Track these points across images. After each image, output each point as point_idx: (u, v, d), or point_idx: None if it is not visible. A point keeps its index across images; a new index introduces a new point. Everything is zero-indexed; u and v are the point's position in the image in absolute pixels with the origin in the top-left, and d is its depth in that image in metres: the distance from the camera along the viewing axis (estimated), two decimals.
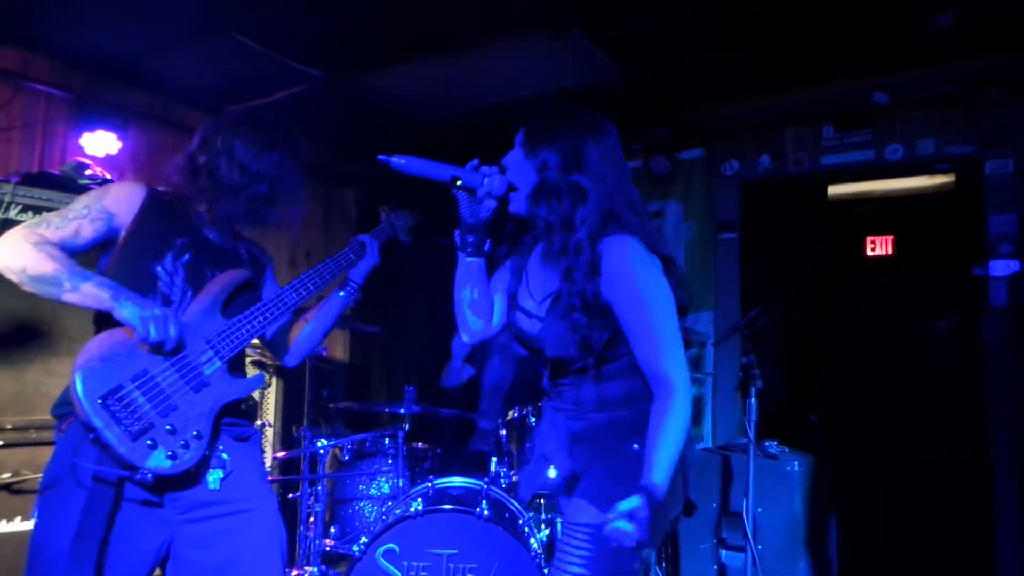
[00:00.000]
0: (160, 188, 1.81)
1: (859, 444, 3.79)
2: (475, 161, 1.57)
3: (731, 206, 4.15)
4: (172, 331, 1.58)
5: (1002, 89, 3.40)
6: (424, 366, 5.03)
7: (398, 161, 1.52)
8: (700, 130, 4.18)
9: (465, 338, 1.78)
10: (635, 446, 1.54)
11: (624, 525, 1.33)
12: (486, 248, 1.65)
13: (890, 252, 4.10)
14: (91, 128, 3.58)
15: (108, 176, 3.37)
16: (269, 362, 3.87)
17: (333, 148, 4.89)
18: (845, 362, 4.17)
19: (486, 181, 1.55)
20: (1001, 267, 3.31)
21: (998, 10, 2.98)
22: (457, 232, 1.65)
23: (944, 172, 3.83)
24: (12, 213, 2.85)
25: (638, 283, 1.50)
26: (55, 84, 3.59)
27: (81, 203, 1.70)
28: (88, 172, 3.38)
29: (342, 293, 2.07)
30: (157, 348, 1.58)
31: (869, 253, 4.10)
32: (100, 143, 3.60)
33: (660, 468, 1.43)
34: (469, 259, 1.66)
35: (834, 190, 4.15)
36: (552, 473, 1.70)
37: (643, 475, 1.43)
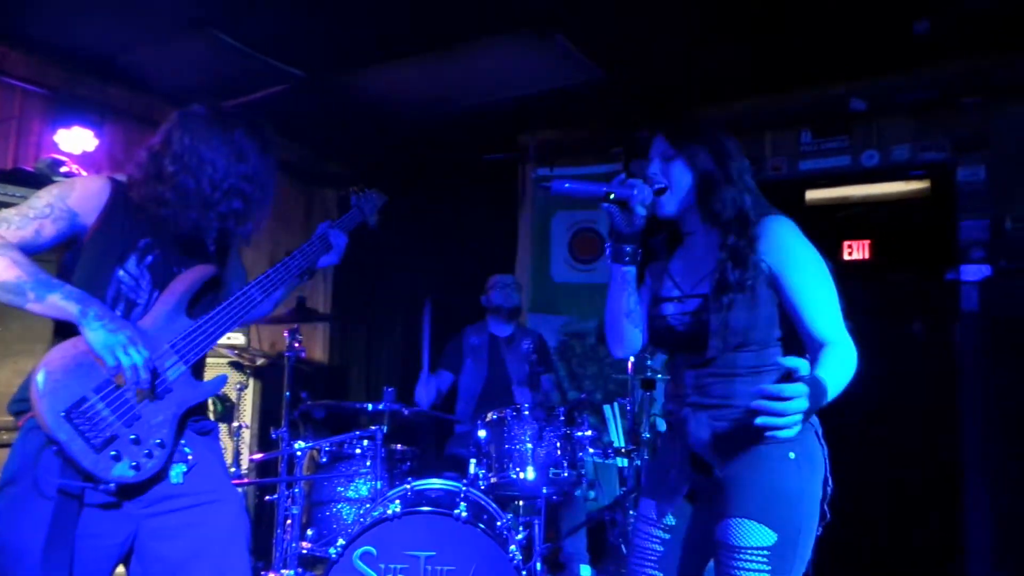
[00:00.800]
0: (123, 180, 1.71)
1: (835, 445, 3.82)
2: (622, 175, 1.65)
3: None
4: (139, 359, 1.51)
5: (974, 97, 3.46)
6: (404, 367, 5.02)
7: (559, 185, 1.62)
8: None
9: (617, 353, 1.80)
10: (790, 454, 1.54)
11: (799, 404, 1.31)
12: (639, 256, 1.71)
13: (867, 256, 4.15)
14: (67, 124, 3.53)
15: (84, 174, 3.33)
16: (247, 363, 3.84)
17: (314, 148, 4.87)
18: None
19: (636, 191, 1.63)
20: (972, 272, 3.37)
21: (971, 20, 3.04)
22: (609, 245, 1.71)
23: (919, 178, 3.88)
24: None
25: (802, 254, 1.60)
26: (31, 79, 3.55)
27: (43, 201, 1.61)
28: (63, 169, 3.34)
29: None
30: (126, 377, 1.51)
31: (846, 257, 4.15)
32: (76, 139, 3.55)
33: (831, 380, 1.42)
34: (625, 268, 1.70)
35: (812, 195, 4.19)
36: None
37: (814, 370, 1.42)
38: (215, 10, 3.11)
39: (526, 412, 2.84)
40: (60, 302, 1.51)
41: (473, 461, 2.89)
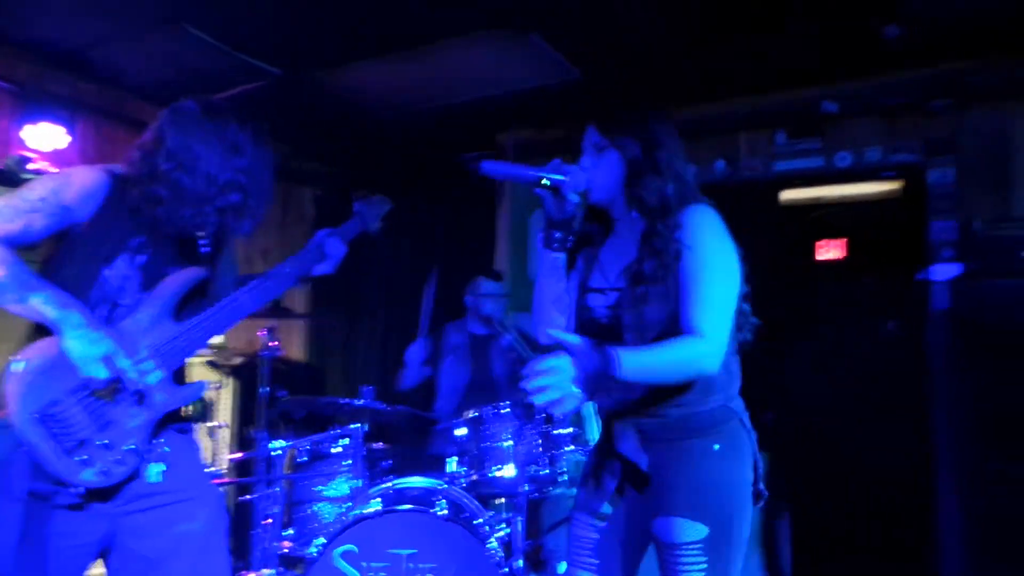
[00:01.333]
0: (121, 173, 1.66)
1: (811, 444, 3.88)
2: (556, 161, 1.64)
3: None
4: (121, 362, 1.49)
5: (944, 101, 3.53)
6: (383, 365, 5.00)
7: (486, 167, 1.62)
8: None
9: (543, 340, 1.78)
10: (715, 446, 1.56)
11: (560, 377, 1.35)
12: (569, 244, 1.71)
13: (841, 256, 4.22)
14: (34, 120, 3.46)
15: (54, 171, 3.26)
16: (223, 362, 3.80)
17: (290, 146, 4.81)
18: (797, 364, 4.27)
19: (568, 178, 1.63)
20: (942, 271, 3.44)
21: (941, 25, 3.12)
22: (541, 231, 1.71)
23: (891, 179, 3.96)
24: None
25: (709, 246, 1.58)
26: None
27: (36, 193, 1.56)
28: (32, 166, 3.28)
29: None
30: (104, 389, 1.50)
31: (820, 257, 4.22)
32: (45, 136, 3.48)
33: (637, 357, 1.45)
34: (555, 255, 1.71)
35: (786, 195, 4.25)
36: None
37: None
38: (189, 6, 3.07)
39: (506, 410, 2.85)
40: (40, 306, 1.49)
41: (454, 459, 2.89)
